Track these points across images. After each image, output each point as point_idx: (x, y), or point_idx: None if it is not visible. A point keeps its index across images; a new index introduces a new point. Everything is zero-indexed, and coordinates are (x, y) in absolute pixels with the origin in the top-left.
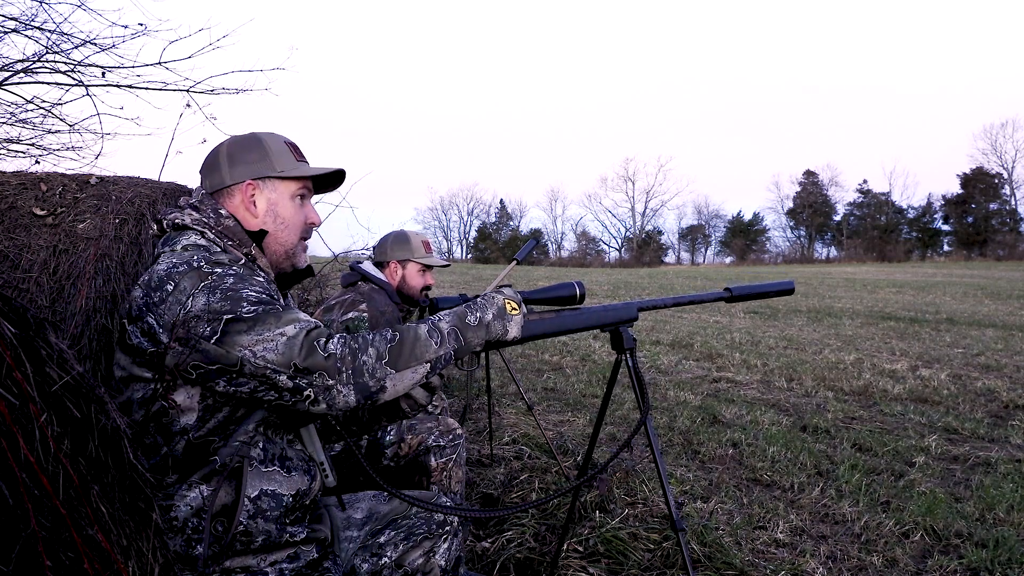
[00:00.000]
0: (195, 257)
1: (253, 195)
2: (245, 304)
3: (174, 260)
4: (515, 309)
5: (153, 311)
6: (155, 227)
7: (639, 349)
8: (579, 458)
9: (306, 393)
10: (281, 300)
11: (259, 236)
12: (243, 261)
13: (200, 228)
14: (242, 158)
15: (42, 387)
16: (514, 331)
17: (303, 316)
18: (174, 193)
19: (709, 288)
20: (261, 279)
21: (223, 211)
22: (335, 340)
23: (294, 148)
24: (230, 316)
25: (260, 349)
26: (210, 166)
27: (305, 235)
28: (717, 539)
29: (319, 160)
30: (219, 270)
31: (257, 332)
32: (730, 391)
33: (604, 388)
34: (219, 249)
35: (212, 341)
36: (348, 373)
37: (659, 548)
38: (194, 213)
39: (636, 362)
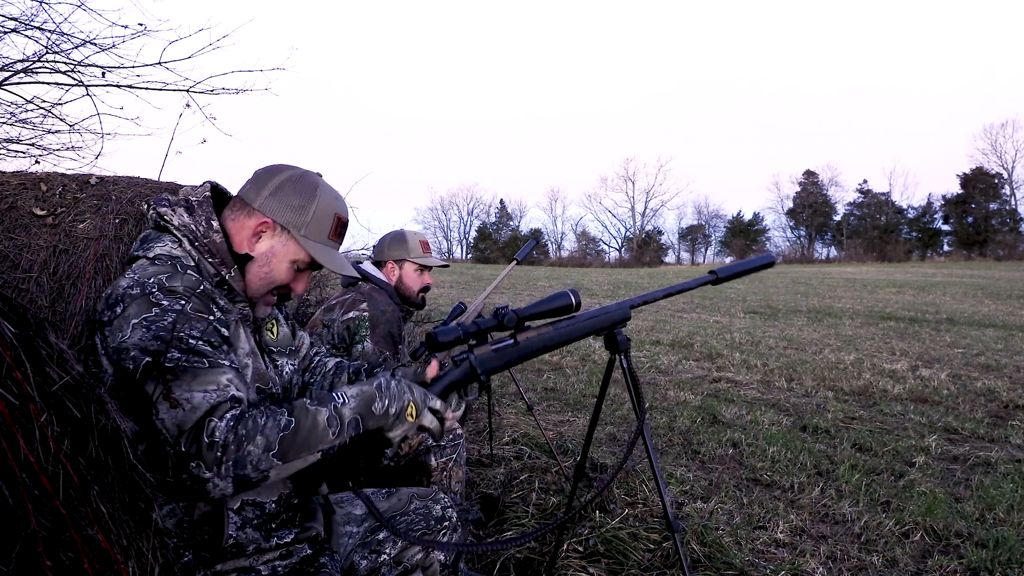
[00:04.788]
0: (152, 280)
1: (261, 233)
2: (174, 350)
3: (136, 277)
4: (412, 416)
5: (101, 331)
6: (146, 207)
7: (639, 349)
8: (578, 458)
9: (183, 476)
10: (224, 345)
11: (244, 259)
12: (201, 289)
13: (182, 234)
14: (285, 198)
15: (42, 387)
16: (397, 434)
17: (222, 380)
18: (174, 193)
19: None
20: (208, 318)
21: (215, 223)
22: (223, 425)
23: (338, 224)
24: (149, 360)
25: (164, 408)
26: (260, 180)
27: (281, 293)
28: (717, 539)
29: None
30: (166, 302)
31: (167, 386)
32: (730, 391)
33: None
34: (192, 264)
35: (137, 377)
36: (228, 465)
37: (659, 548)
38: (184, 215)
39: (631, 362)
